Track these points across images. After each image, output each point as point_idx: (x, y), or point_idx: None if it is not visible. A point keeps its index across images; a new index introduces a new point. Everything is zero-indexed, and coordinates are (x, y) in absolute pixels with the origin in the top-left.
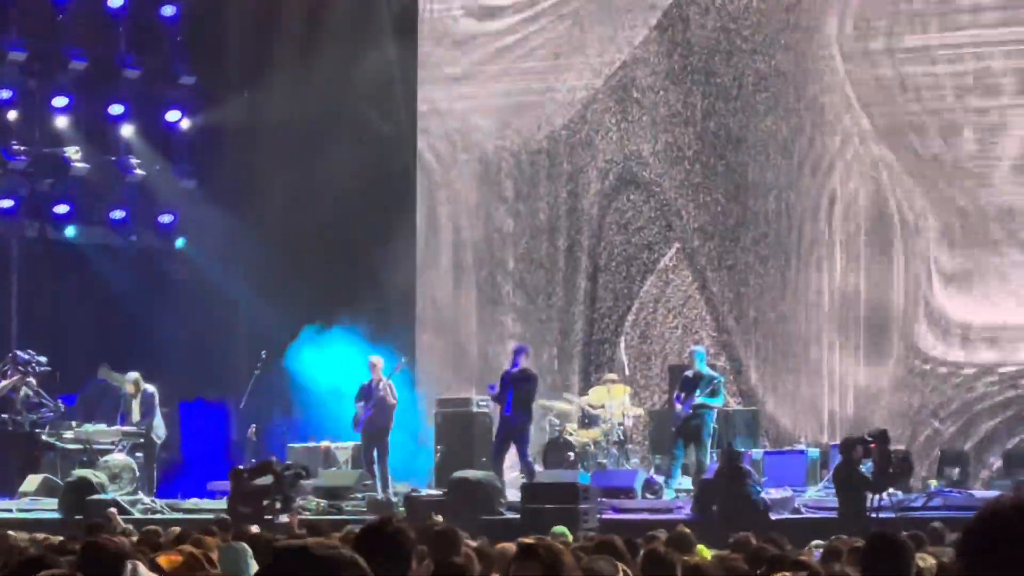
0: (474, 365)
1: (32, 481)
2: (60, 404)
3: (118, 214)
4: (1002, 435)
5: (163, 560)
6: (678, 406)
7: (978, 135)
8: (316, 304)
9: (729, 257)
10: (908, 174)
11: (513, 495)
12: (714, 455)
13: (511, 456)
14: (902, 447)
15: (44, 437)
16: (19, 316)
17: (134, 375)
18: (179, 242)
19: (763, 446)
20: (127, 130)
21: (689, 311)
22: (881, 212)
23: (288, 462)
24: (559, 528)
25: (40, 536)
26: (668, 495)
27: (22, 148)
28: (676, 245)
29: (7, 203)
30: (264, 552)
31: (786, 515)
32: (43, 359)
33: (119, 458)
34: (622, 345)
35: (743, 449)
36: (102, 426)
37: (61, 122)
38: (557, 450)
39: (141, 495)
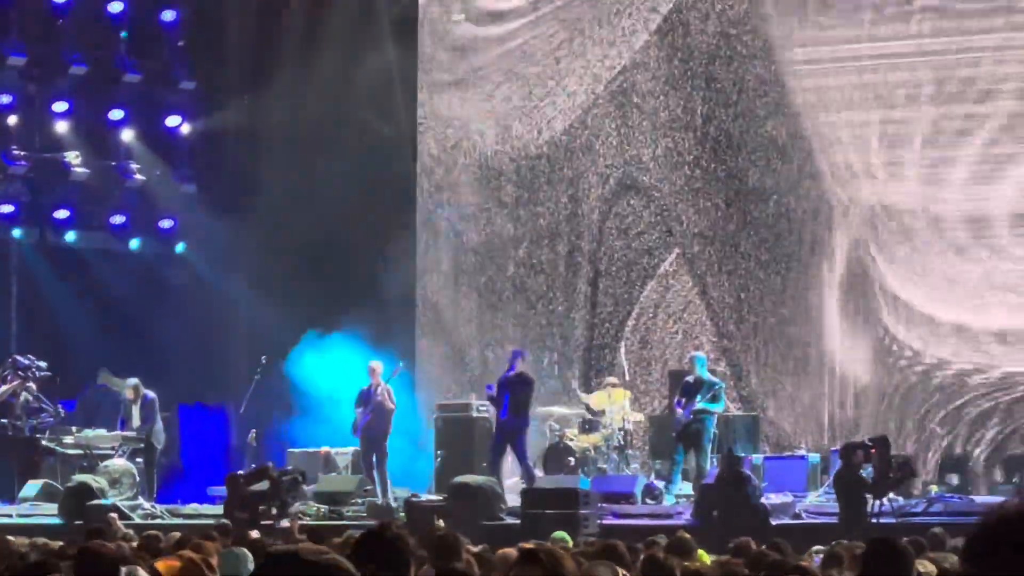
0: (474, 370)
1: (32, 486)
2: (60, 409)
3: (118, 219)
4: (1003, 440)
5: (161, 565)
6: (679, 411)
7: (975, 138)
8: (316, 309)
9: (729, 262)
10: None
11: (513, 500)
12: (714, 460)
13: (512, 462)
14: (903, 452)
15: (44, 442)
16: (19, 321)
17: (134, 381)
18: (179, 247)
19: (763, 451)
20: (127, 135)
21: (689, 316)
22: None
23: (284, 468)
24: (559, 533)
25: (40, 541)
26: (668, 500)
27: (22, 153)
28: (676, 250)
29: (7, 208)
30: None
31: (786, 520)
32: (43, 364)
33: (119, 463)
34: (622, 350)
35: (743, 454)
36: (102, 431)
37: (61, 127)
38: (557, 455)
39: (141, 500)
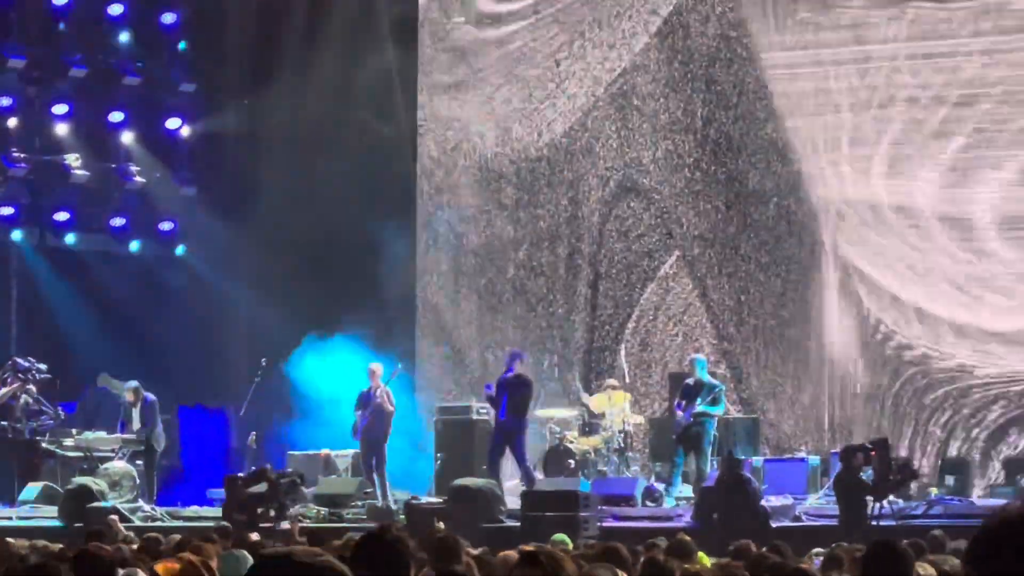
0: (474, 372)
1: (32, 488)
2: (60, 411)
3: (118, 221)
4: (1003, 442)
5: (161, 568)
6: (679, 414)
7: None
8: (316, 311)
9: (729, 265)
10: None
11: (513, 503)
12: (714, 463)
13: (512, 464)
14: (903, 455)
15: (44, 444)
16: (19, 323)
17: (133, 383)
18: (179, 249)
19: (763, 454)
20: (127, 137)
21: (689, 319)
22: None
23: (283, 470)
24: (559, 536)
25: (40, 543)
26: (668, 503)
27: (22, 155)
28: (676, 252)
29: (7, 210)
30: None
31: (786, 523)
32: (43, 366)
33: (119, 465)
34: (622, 353)
35: (743, 457)
36: (102, 434)
37: (61, 129)
38: (557, 458)
39: (141, 503)
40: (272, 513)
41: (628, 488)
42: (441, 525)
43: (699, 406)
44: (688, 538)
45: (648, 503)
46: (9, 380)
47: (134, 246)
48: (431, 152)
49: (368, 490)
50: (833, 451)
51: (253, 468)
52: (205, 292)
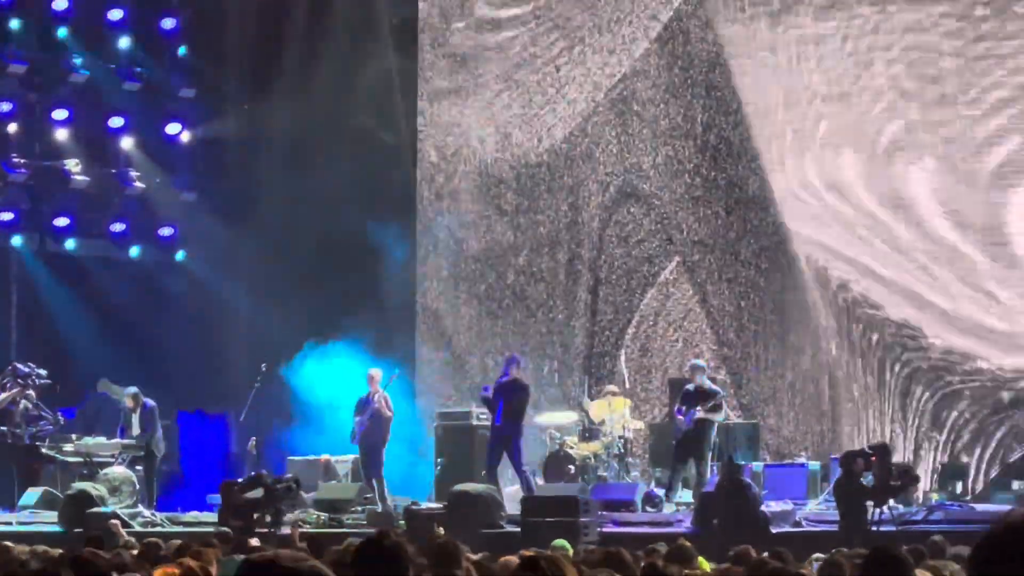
0: (474, 377)
1: (32, 494)
2: (60, 417)
3: (118, 227)
4: (1003, 447)
5: (160, 573)
6: (679, 419)
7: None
8: (316, 316)
9: (729, 270)
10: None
11: (513, 508)
12: (715, 468)
13: (512, 470)
14: (903, 460)
15: (44, 450)
16: (19, 329)
17: (133, 389)
18: (179, 255)
19: (763, 459)
20: (127, 143)
21: (690, 324)
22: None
23: (279, 475)
24: (559, 541)
25: (40, 549)
26: (668, 508)
27: (22, 161)
28: (677, 258)
29: (7, 216)
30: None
31: (787, 528)
32: (43, 372)
33: (119, 471)
34: (622, 358)
35: (744, 462)
36: (102, 439)
37: (61, 135)
38: (557, 463)
39: (141, 508)
40: (268, 519)
41: (628, 493)
42: (441, 531)
43: (699, 412)
44: (688, 543)
45: (648, 508)
46: (9, 385)
47: (134, 251)
48: (431, 157)
49: (368, 495)
50: (833, 456)
51: (252, 473)
52: (205, 297)
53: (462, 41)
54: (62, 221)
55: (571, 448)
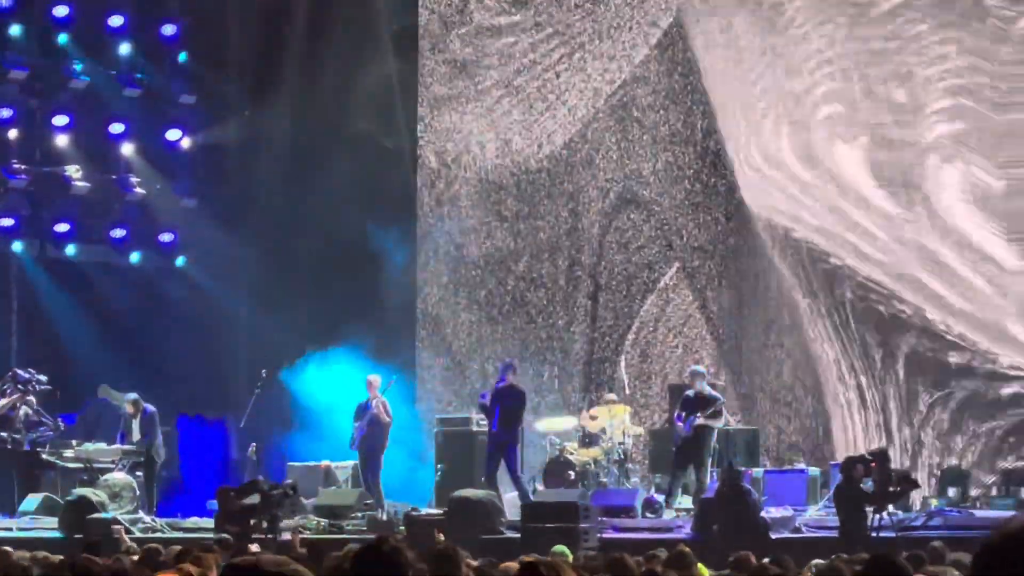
0: (474, 383)
1: (32, 500)
2: (60, 423)
3: (118, 232)
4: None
5: None
6: (679, 425)
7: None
8: (316, 322)
9: (729, 276)
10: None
11: (513, 514)
12: (714, 474)
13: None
14: (903, 466)
15: (44, 456)
16: (19, 334)
17: (133, 395)
18: (179, 260)
19: (763, 465)
20: (127, 149)
21: (690, 330)
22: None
23: (275, 481)
24: (559, 547)
25: (41, 555)
26: (668, 514)
27: (23, 167)
28: (676, 264)
29: (8, 221)
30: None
31: (786, 534)
32: (43, 378)
33: (119, 477)
34: (622, 364)
35: (743, 468)
36: (102, 445)
37: (62, 141)
38: (557, 469)
39: (141, 514)
40: (264, 525)
41: (628, 499)
42: (441, 537)
43: (699, 418)
44: (688, 549)
45: (648, 514)
46: (9, 391)
47: (134, 257)
48: (431, 164)
49: (368, 501)
50: (833, 462)
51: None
52: (205, 303)
53: (462, 48)
54: (62, 227)
55: (571, 454)
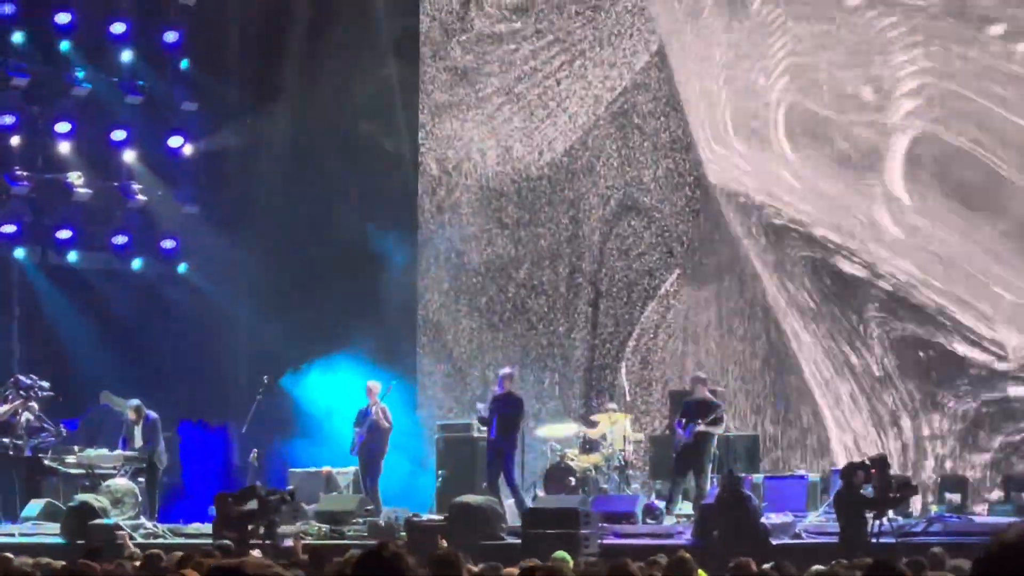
0: (475, 389)
1: (34, 506)
2: (62, 429)
3: (120, 239)
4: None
5: None
6: (679, 432)
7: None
8: (318, 328)
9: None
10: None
11: (514, 520)
12: (715, 480)
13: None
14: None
15: (46, 462)
16: (21, 341)
17: (135, 402)
18: (181, 267)
19: (764, 471)
20: (129, 156)
21: (690, 336)
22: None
23: (273, 487)
24: (560, 553)
25: (43, 561)
26: (669, 520)
27: (25, 173)
28: (677, 271)
29: (10, 228)
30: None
31: (787, 540)
32: (45, 384)
33: (121, 483)
34: (623, 371)
35: (744, 474)
36: (104, 451)
37: (64, 148)
38: (558, 475)
39: (143, 520)
40: (262, 531)
41: (628, 505)
42: (444, 543)
43: (700, 425)
44: (688, 555)
45: (648, 520)
46: (11, 397)
47: (136, 264)
48: (432, 171)
49: (369, 507)
50: (833, 468)
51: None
52: (207, 309)
53: (463, 55)
54: (64, 234)
55: (572, 460)
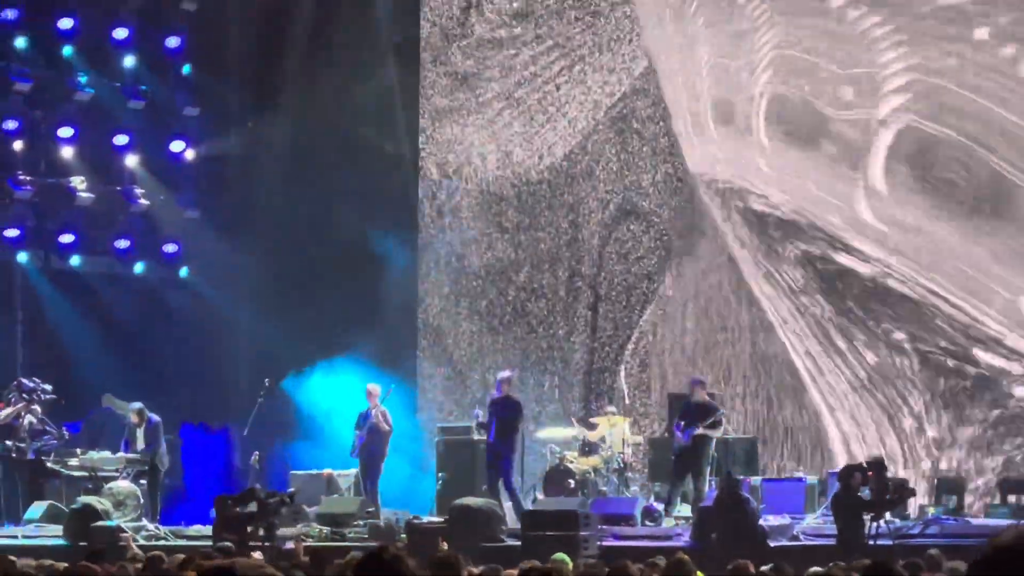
0: (475, 393)
1: (37, 508)
2: (64, 431)
3: (123, 243)
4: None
5: None
6: (678, 434)
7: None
8: (319, 331)
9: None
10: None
11: (514, 522)
12: (713, 482)
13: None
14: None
15: (49, 464)
16: (24, 344)
17: (137, 405)
18: (183, 271)
19: (762, 473)
20: (132, 160)
21: (688, 339)
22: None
23: (273, 489)
24: (559, 555)
25: (46, 563)
26: (667, 522)
27: (27, 178)
28: (668, 275)
29: (13, 232)
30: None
31: (784, 542)
32: (48, 387)
33: (124, 485)
34: (622, 374)
35: (742, 476)
36: (107, 453)
37: (66, 152)
38: (557, 477)
39: (145, 522)
40: (261, 533)
41: (627, 508)
42: (445, 545)
43: (699, 428)
44: (686, 557)
45: (647, 522)
46: (14, 400)
47: (138, 268)
48: (432, 175)
49: (370, 509)
50: (831, 471)
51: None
52: (209, 313)
53: (463, 60)
54: (67, 238)
55: (571, 462)
